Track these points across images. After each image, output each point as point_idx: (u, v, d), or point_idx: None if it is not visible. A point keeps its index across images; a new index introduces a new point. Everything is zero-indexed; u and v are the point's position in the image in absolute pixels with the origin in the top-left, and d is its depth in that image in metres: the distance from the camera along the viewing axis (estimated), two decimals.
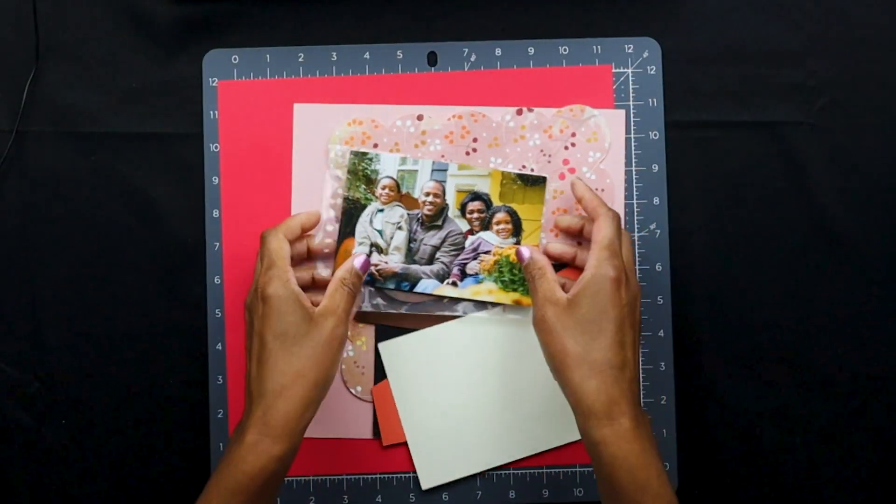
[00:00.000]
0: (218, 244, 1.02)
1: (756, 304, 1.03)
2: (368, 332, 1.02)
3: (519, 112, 1.02)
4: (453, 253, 1.00)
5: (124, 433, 1.02)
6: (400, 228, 1.00)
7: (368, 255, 0.97)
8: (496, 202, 1.00)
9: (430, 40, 1.03)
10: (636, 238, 1.03)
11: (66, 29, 1.02)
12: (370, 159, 0.99)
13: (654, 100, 1.03)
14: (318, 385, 0.90)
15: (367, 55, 1.03)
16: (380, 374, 1.02)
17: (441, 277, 1.00)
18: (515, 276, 1.00)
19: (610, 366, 0.88)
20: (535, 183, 1.00)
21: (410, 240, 1.00)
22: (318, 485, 1.02)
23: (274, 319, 0.90)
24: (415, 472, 1.02)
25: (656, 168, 1.03)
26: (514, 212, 1.00)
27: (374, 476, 1.02)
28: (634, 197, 1.03)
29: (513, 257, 0.99)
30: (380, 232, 1.00)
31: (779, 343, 1.03)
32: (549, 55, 1.03)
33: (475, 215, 1.00)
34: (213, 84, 1.03)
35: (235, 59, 1.03)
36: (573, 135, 1.02)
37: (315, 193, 1.02)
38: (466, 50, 1.03)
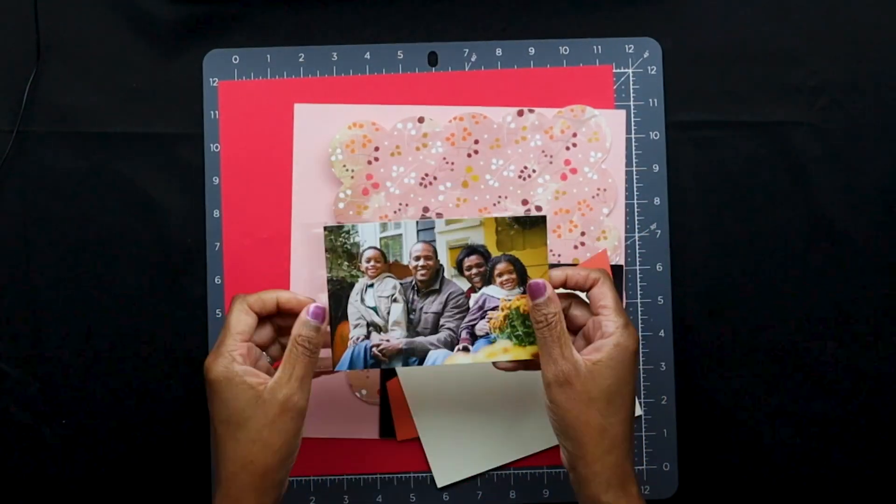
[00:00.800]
0: (218, 244, 1.02)
1: (756, 304, 1.03)
2: None
3: (520, 113, 1.02)
4: (458, 316, 0.92)
5: (124, 433, 1.02)
6: (395, 301, 0.91)
7: (327, 307, 0.90)
8: (494, 252, 0.91)
9: (430, 40, 1.03)
10: (637, 238, 1.03)
11: (66, 29, 1.02)
12: (347, 233, 0.91)
13: (655, 100, 1.03)
14: (271, 470, 0.85)
15: (367, 55, 1.03)
16: (384, 376, 1.02)
17: (450, 345, 0.92)
18: (529, 328, 0.91)
19: (626, 439, 0.87)
20: (533, 225, 0.91)
21: (409, 311, 0.92)
22: (318, 485, 1.02)
23: (217, 404, 0.86)
24: (416, 472, 1.02)
25: (657, 168, 1.03)
26: (517, 259, 0.91)
27: (374, 476, 1.02)
28: (635, 197, 1.03)
29: (524, 308, 0.91)
30: (374, 309, 0.91)
31: (779, 343, 1.03)
32: (550, 55, 1.03)
33: (474, 271, 0.92)
34: (214, 84, 1.02)
35: (236, 59, 1.02)
36: (574, 135, 1.02)
37: (315, 194, 1.01)
38: (467, 50, 1.03)
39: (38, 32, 1.01)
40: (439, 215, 1.02)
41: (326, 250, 0.91)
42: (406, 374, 1.02)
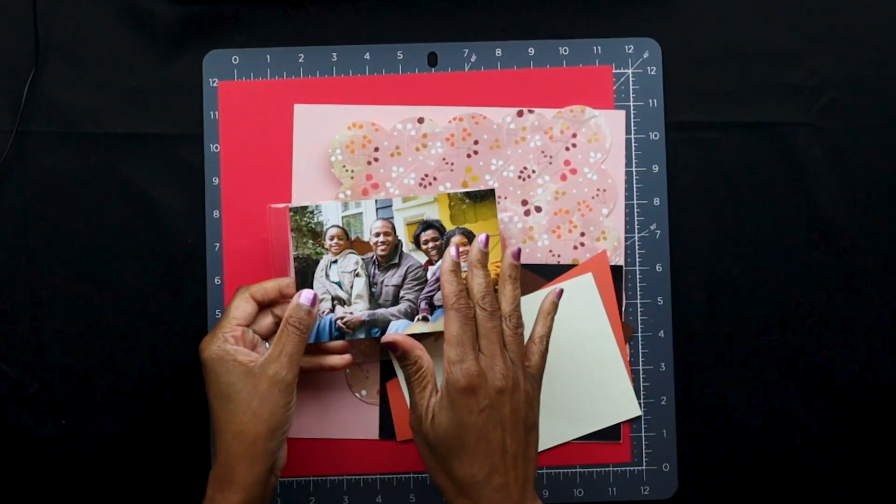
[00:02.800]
0: (218, 245, 1.02)
1: (756, 304, 1.03)
2: None
3: (519, 114, 1.02)
4: (417, 288, 0.97)
5: (124, 433, 1.02)
6: (358, 275, 0.96)
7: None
8: (449, 226, 0.97)
9: (430, 40, 1.03)
10: (636, 238, 1.03)
11: (66, 29, 1.02)
12: (311, 212, 0.96)
13: (655, 100, 1.03)
14: (261, 438, 0.89)
15: (367, 55, 1.03)
16: (384, 376, 1.02)
17: (410, 315, 0.96)
18: None
19: (474, 482, 0.86)
20: (483, 198, 0.97)
21: (371, 284, 0.97)
22: (318, 485, 1.02)
23: (211, 381, 0.91)
24: (415, 472, 1.02)
25: (656, 168, 1.03)
26: (470, 232, 0.97)
27: (374, 476, 1.02)
28: (635, 197, 1.03)
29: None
30: (338, 284, 0.96)
31: (779, 343, 1.03)
32: (550, 55, 1.03)
33: (430, 245, 0.97)
34: (214, 84, 1.02)
35: (235, 59, 1.02)
36: (574, 135, 1.02)
37: (315, 194, 1.02)
38: (467, 50, 1.03)
39: (37, 32, 1.01)
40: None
41: (292, 230, 0.96)
42: None
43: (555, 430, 1.02)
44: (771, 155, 1.03)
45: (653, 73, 1.03)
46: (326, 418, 1.01)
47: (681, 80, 1.03)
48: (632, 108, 1.03)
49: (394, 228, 0.97)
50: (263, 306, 0.96)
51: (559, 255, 1.02)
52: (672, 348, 1.03)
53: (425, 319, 0.97)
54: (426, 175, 1.02)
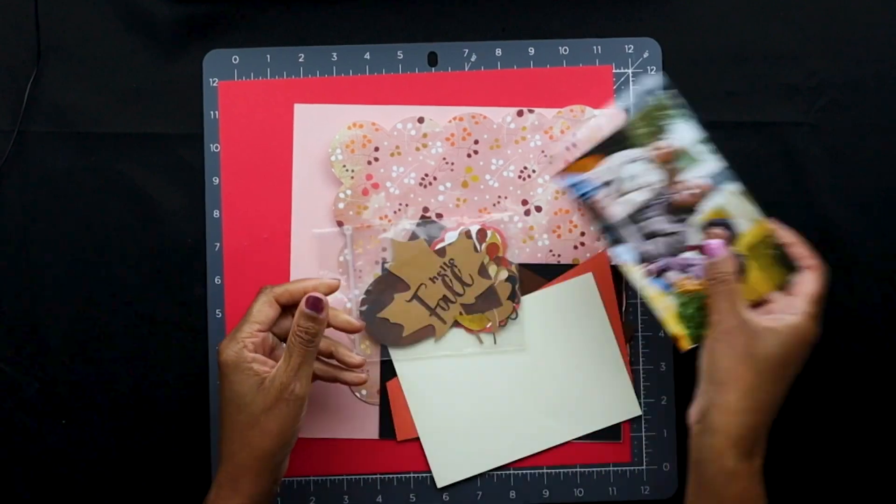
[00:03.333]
0: (218, 244, 1.02)
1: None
2: None
3: (519, 113, 1.02)
4: (670, 251, 0.94)
5: (124, 433, 1.02)
6: (645, 192, 0.94)
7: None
8: (740, 248, 0.94)
9: (430, 40, 1.03)
10: None
11: (66, 29, 1.02)
12: (671, 115, 0.94)
13: None
14: (268, 454, 0.89)
15: (367, 55, 1.03)
16: (385, 376, 1.02)
17: (643, 259, 0.94)
18: (695, 316, 0.94)
19: (771, 410, 0.88)
20: (789, 268, 0.94)
21: (645, 206, 0.94)
22: (318, 485, 1.02)
23: (225, 385, 0.90)
24: (416, 472, 1.02)
25: None
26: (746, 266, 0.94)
27: (374, 476, 1.02)
28: None
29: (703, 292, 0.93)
30: (628, 178, 0.94)
31: None
32: (550, 55, 1.03)
33: (711, 234, 0.94)
34: (214, 84, 1.02)
35: (235, 59, 1.03)
36: (574, 135, 1.02)
37: (315, 194, 1.02)
38: (466, 50, 1.03)
39: (38, 32, 1.01)
40: (439, 215, 1.02)
41: (641, 115, 0.94)
42: (406, 375, 1.02)
43: (555, 429, 1.02)
44: (771, 155, 1.03)
45: (653, 72, 1.03)
46: (326, 418, 1.01)
47: (681, 80, 1.03)
48: (631, 108, 1.03)
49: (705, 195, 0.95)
50: (286, 309, 0.94)
51: (559, 255, 1.02)
52: (672, 348, 1.03)
53: (649, 273, 0.94)
54: (426, 175, 1.02)
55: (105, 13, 1.03)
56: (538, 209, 1.02)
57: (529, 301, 1.02)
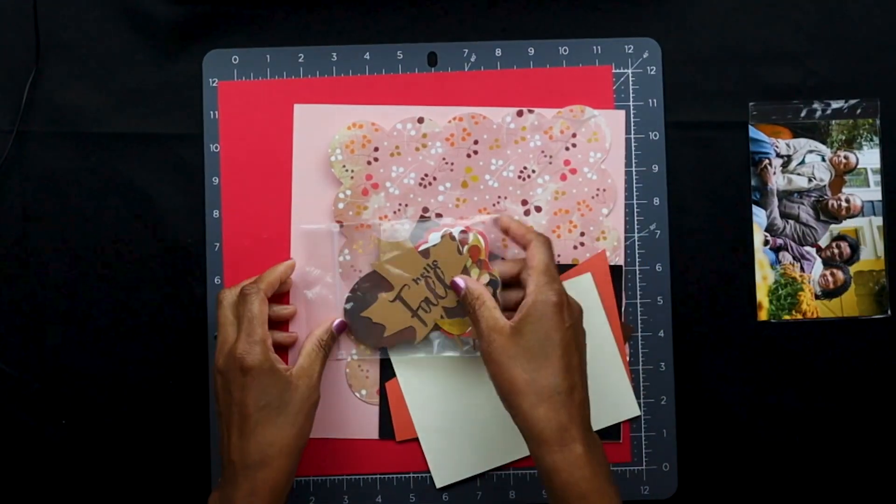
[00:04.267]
0: (218, 245, 1.02)
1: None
2: None
3: (519, 113, 1.02)
4: (795, 238, 1.02)
5: (124, 433, 1.02)
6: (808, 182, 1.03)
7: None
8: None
9: (430, 40, 1.03)
10: (636, 238, 1.03)
11: (66, 29, 1.02)
12: (868, 136, 1.02)
13: (654, 100, 1.03)
14: (299, 452, 0.93)
15: (367, 55, 1.03)
16: (384, 376, 1.02)
17: (769, 229, 1.03)
18: (782, 298, 1.02)
19: (557, 391, 0.87)
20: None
21: (800, 192, 1.03)
22: (318, 485, 1.02)
23: (257, 391, 0.91)
24: (415, 472, 1.02)
25: (656, 168, 1.03)
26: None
27: (374, 476, 1.02)
28: (634, 197, 1.03)
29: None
30: (802, 164, 1.03)
31: (779, 343, 1.03)
32: (550, 55, 1.03)
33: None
34: (213, 84, 1.02)
35: (235, 59, 1.02)
36: (574, 135, 1.02)
37: (315, 194, 1.02)
38: (466, 50, 1.03)
39: (37, 32, 1.01)
40: (439, 216, 1.02)
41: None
42: (404, 375, 1.02)
43: None
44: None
45: (653, 72, 1.03)
46: (326, 418, 1.01)
47: (681, 80, 1.03)
48: (631, 107, 1.03)
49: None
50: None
51: (559, 255, 1.02)
52: (672, 348, 1.03)
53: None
54: (426, 175, 1.02)
55: (105, 13, 1.03)
56: (538, 209, 1.02)
57: None
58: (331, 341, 0.97)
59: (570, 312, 0.90)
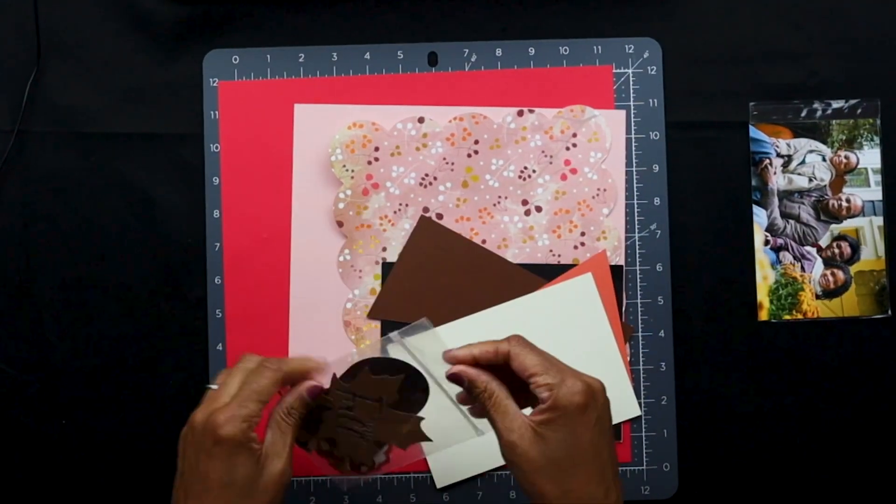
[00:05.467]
0: (218, 244, 1.02)
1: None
2: (373, 335, 1.02)
3: (520, 113, 1.02)
4: (796, 238, 1.02)
5: (124, 433, 1.02)
6: (808, 182, 1.03)
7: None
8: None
9: (430, 40, 1.03)
10: (637, 238, 1.03)
11: (66, 29, 1.02)
12: (869, 136, 1.02)
13: (655, 100, 1.03)
14: None
15: (367, 55, 1.03)
16: None
17: (769, 229, 1.02)
18: (783, 298, 1.03)
19: (592, 499, 0.81)
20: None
21: (800, 192, 1.03)
22: (318, 485, 1.02)
23: (224, 467, 0.81)
24: (416, 472, 1.02)
25: (657, 168, 1.03)
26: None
27: (374, 476, 1.02)
28: (635, 197, 1.03)
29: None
30: (802, 164, 1.03)
31: (779, 343, 1.03)
32: (550, 55, 1.03)
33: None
34: (214, 84, 1.02)
35: (235, 59, 1.02)
36: (574, 135, 1.02)
37: (315, 194, 1.02)
38: (467, 50, 1.03)
39: (38, 32, 1.01)
40: (439, 216, 1.02)
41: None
42: None
43: None
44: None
45: (653, 72, 1.03)
46: None
47: (681, 80, 1.04)
48: (632, 107, 1.03)
49: None
50: None
51: (559, 255, 1.02)
52: (672, 348, 1.03)
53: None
54: (426, 175, 1.02)
55: (105, 13, 1.03)
56: (538, 209, 1.02)
57: (529, 301, 1.02)
58: (303, 409, 0.86)
59: (594, 405, 0.82)
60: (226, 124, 1.02)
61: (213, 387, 0.87)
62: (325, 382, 0.87)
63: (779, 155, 1.02)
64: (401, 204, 1.02)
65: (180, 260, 1.02)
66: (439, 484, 1.02)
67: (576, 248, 1.02)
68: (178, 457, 0.84)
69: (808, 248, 1.03)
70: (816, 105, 1.03)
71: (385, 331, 1.02)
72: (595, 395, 0.82)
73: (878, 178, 1.03)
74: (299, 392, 0.86)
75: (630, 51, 1.03)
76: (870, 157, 1.03)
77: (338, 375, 0.88)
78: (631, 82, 1.03)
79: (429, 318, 0.93)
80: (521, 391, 0.85)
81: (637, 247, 1.03)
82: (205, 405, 0.85)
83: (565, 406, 0.81)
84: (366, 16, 1.03)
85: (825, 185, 1.03)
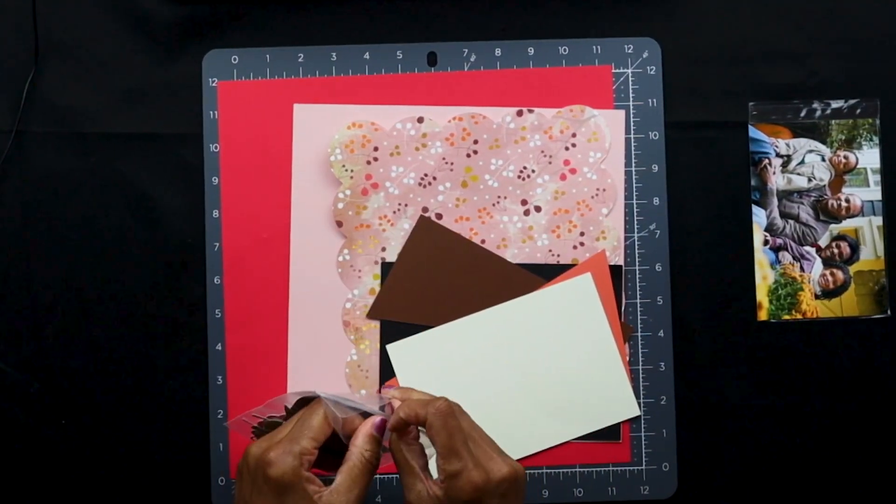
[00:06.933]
0: (218, 244, 1.02)
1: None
2: (372, 335, 1.02)
3: (519, 113, 1.02)
4: (795, 238, 1.02)
5: (124, 433, 1.02)
6: (808, 182, 1.03)
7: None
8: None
9: (430, 40, 1.03)
10: (636, 238, 1.03)
11: (65, 29, 1.02)
12: (868, 136, 1.02)
13: (654, 100, 1.03)
14: None
15: (367, 55, 1.03)
16: (384, 376, 1.02)
17: (769, 229, 1.03)
18: (782, 298, 1.03)
19: None
20: None
21: (800, 192, 1.03)
22: None
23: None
24: None
25: (656, 168, 1.03)
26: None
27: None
28: (634, 197, 1.03)
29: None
30: (802, 164, 1.03)
31: (779, 343, 1.03)
32: (549, 55, 1.03)
33: None
34: (213, 84, 1.02)
35: (235, 59, 1.03)
36: (573, 135, 1.02)
37: (315, 194, 1.02)
38: (466, 50, 1.03)
39: (37, 32, 1.01)
40: (439, 216, 1.02)
41: None
42: (405, 375, 1.02)
43: (555, 429, 1.02)
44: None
45: (652, 72, 1.03)
46: None
47: (680, 80, 1.03)
48: (631, 107, 1.03)
49: None
50: None
51: (559, 255, 1.02)
52: (672, 348, 1.03)
53: None
54: (426, 175, 1.02)
55: (105, 13, 1.03)
56: (538, 209, 1.02)
57: (529, 301, 1.02)
58: (378, 450, 0.84)
59: (489, 498, 0.81)
60: (225, 124, 1.02)
61: (278, 419, 0.87)
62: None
63: (778, 155, 1.02)
64: (400, 204, 1.02)
65: (180, 260, 1.02)
66: None
67: (575, 248, 1.02)
68: (235, 485, 0.85)
69: (807, 248, 1.02)
70: (816, 105, 1.03)
71: (385, 330, 1.02)
72: (491, 489, 0.81)
73: (878, 178, 1.03)
74: (367, 431, 0.84)
75: (629, 51, 1.03)
76: (869, 157, 1.03)
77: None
78: (630, 82, 1.03)
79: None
80: None
81: (636, 247, 1.03)
82: (263, 438, 0.85)
83: (453, 499, 0.80)
84: (365, 16, 1.03)
85: (824, 185, 1.03)
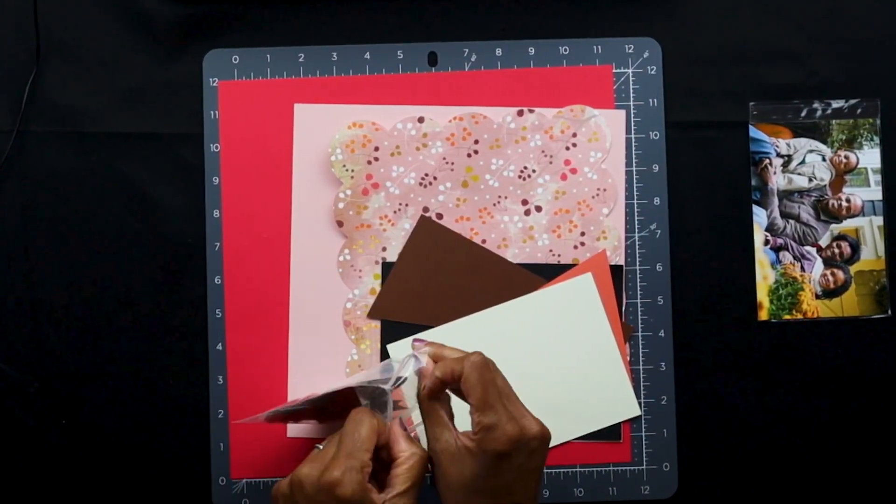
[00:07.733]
0: (218, 244, 1.02)
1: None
2: (373, 335, 1.02)
3: (520, 113, 1.02)
4: (796, 238, 1.02)
5: (124, 433, 1.02)
6: (808, 182, 1.03)
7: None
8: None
9: (430, 40, 1.03)
10: (637, 238, 1.03)
11: (66, 29, 1.02)
12: (869, 136, 1.02)
13: (655, 100, 1.03)
14: None
15: (367, 55, 1.03)
16: None
17: (769, 229, 1.02)
18: (783, 298, 1.03)
19: None
20: None
21: (800, 192, 1.03)
22: None
23: None
24: None
25: (656, 168, 1.03)
26: None
27: None
28: (635, 197, 1.03)
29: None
30: (802, 163, 1.03)
31: (779, 343, 1.03)
32: (550, 55, 1.03)
33: None
34: (214, 84, 1.02)
35: (235, 59, 1.03)
36: (574, 135, 1.02)
37: (315, 194, 1.02)
38: (467, 50, 1.03)
39: (37, 32, 1.01)
40: (439, 216, 1.02)
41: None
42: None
43: (555, 429, 1.01)
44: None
45: (653, 72, 1.03)
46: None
47: (681, 80, 1.04)
48: (632, 107, 1.03)
49: None
50: None
51: (559, 255, 1.02)
52: (672, 348, 1.03)
53: None
54: (426, 175, 1.02)
55: (105, 13, 1.03)
56: (538, 209, 1.02)
57: (529, 301, 1.02)
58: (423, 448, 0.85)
59: (519, 453, 0.82)
60: (226, 124, 1.02)
61: (319, 447, 0.87)
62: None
63: (779, 155, 1.02)
64: (401, 204, 1.02)
65: (180, 260, 1.02)
66: None
67: (576, 247, 1.02)
68: None
69: (807, 247, 1.03)
70: (816, 105, 1.03)
71: (385, 330, 1.02)
72: (523, 444, 0.82)
73: (878, 177, 1.03)
74: (405, 435, 0.86)
75: (630, 51, 1.03)
76: (870, 156, 1.03)
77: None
78: (631, 82, 1.03)
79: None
80: None
81: (637, 247, 1.03)
82: (310, 460, 0.84)
83: (486, 450, 0.82)
84: (365, 15, 1.03)
85: (825, 185, 1.03)
